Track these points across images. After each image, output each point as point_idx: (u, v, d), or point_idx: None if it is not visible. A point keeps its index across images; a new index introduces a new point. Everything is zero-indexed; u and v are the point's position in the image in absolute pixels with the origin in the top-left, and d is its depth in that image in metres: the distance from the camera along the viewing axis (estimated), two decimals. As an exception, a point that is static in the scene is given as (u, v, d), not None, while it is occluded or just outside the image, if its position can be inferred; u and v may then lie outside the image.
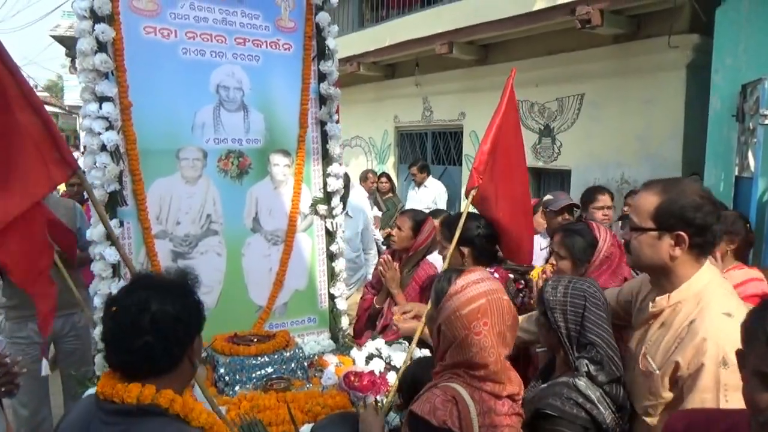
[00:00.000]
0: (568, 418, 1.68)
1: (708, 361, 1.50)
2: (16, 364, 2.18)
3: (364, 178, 7.13)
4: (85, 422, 1.36)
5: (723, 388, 1.48)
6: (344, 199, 4.47)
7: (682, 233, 1.60)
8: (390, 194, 7.66)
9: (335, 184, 3.25)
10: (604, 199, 3.79)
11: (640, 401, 1.71)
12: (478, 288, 1.56)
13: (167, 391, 1.34)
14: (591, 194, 3.80)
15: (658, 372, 1.63)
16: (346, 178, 4.67)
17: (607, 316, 1.84)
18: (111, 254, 2.53)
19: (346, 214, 4.48)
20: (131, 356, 1.34)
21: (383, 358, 2.84)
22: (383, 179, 7.66)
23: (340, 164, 3.31)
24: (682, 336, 1.59)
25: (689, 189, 1.66)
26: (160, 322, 1.33)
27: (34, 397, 3.34)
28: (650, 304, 1.74)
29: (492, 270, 2.52)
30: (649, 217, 1.65)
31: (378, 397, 2.40)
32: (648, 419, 1.68)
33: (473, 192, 2.53)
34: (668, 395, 1.62)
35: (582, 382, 1.75)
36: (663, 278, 1.69)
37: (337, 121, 3.29)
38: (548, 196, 3.92)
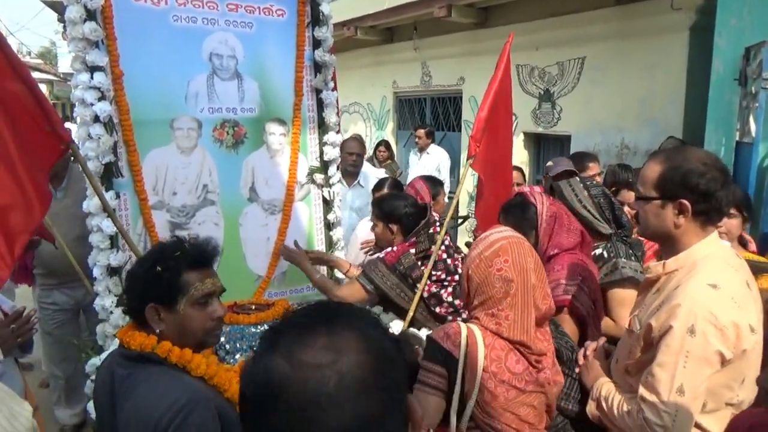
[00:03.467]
0: None
1: (676, 324, 1.52)
2: (29, 319, 2.23)
3: None
4: (110, 363, 1.56)
5: (684, 355, 1.50)
6: (359, 167, 4.47)
7: (685, 201, 1.60)
8: (389, 161, 7.62)
9: (332, 153, 3.23)
10: (594, 167, 3.73)
11: (623, 360, 1.76)
12: (500, 234, 1.68)
13: (165, 343, 1.47)
14: (582, 162, 3.71)
15: (638, 332, 1.68)
16: (362, 147, 4.65)
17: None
18: (108, 226, 2.53)
19: (358, 183, 4.47)
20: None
21: (381, 326, 2.88)
22: (381, 148, 7.59)
23: (337, 132, 3.28)
24: (664, 301, 1.62)
25: (693, 156, 1.64)
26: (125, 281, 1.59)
27: (64, 359, 3.53)
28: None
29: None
30: (652, 186, 1.66)
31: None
32: (628, 377, 1.72)
33: (470, 161, 2.54)
34: (638, 356, 1.67)
35: None
36: (670, 247, 1.70)
37: (334, 89, 3.25)
38: (549, 163, 3.89)
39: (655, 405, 1.52)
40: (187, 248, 1.55)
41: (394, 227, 2.71)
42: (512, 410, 1.53)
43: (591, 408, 1.78)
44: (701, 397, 1.52)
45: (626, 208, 2.86)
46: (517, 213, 2.41)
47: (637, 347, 1.67)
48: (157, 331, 1.49)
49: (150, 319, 1.49)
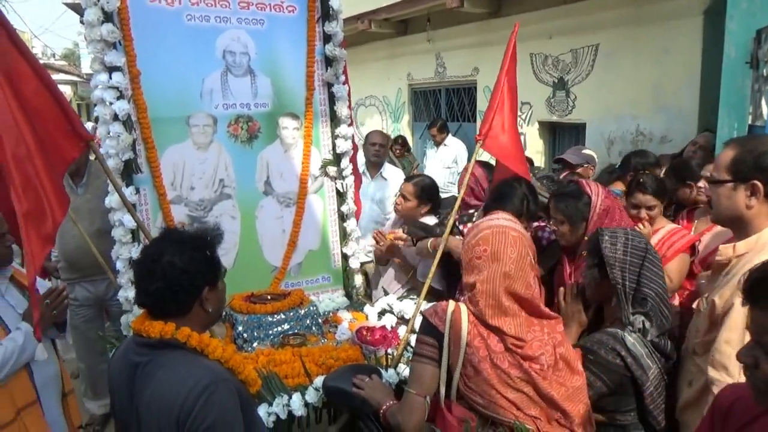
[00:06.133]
0: (604, 364, 1.81)
1: (738, 300, 1.49)
2: (62, 292, 2.30)
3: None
4: (125, 352, 1.61)
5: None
6: (382, 158, 4.56)
7: (757, 182, 1.63)
8: (404, 156, 7.64)
9: (344, 145, 3.29)
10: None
11: (691, 339, 1.77)
12: (489, 224, 1.73)
13: (185, 328, 1.55)
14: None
15: (704, 311, 1.69)
16: (385, 138, 4.71)
17: (661, 270, 1.92)
18: (129, 220, 2.63)
19: (381, 175, 4.53)
20: (147, 298, 1.56)
21: (395, 314, 2.94)
22: (397, 146, 7.58)
23: (349, 125, 3.34)
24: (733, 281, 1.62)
25: (767, 140, 1.68)
26: (167, 271, 1.52)
27: (87, 352, 3.65)
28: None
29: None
30: (725, 169, 1.69)
31: (389, 350, 2.51)
32: (696, 358, 1.73)
33: (479, 144, 2.59)
34: (703, 336, 1.68)
35: (631, 339, 1.83)
36: (741, 230, 1.71)
37: (345, 82, 3.31)
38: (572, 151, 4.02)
39: (727, 383, 1.50)
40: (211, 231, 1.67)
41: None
42: (497, 389, 1.57)
43: None
44: None
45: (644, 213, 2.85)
46: (570, 202, 2.42)
47: (703, 326, 1.69)
48: (210, 310, 1.61)
49: (205, 301, 1.59)
